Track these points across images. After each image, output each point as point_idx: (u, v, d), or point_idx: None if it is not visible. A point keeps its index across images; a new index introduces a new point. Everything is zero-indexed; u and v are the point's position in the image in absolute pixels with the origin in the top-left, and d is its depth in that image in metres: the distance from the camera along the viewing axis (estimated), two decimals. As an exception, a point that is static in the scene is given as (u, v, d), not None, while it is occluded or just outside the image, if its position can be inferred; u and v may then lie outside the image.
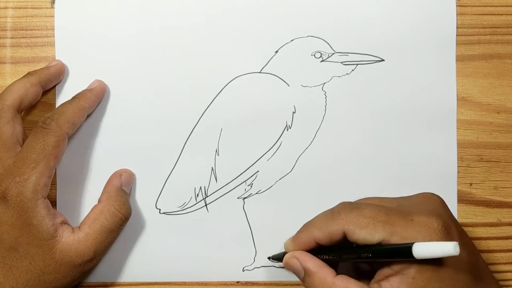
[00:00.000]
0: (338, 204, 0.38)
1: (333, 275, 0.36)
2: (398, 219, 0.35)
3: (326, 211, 0.38)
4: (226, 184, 0.45)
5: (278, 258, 0.43)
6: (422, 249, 0.32)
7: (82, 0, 0.46)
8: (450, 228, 0.35)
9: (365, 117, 0.45)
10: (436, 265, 0.34)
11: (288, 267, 0.39)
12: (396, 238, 0.34)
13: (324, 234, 0.37)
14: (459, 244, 0.32)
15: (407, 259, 0.33)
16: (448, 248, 0.31)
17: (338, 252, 0.37)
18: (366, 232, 0.35)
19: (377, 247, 0.35)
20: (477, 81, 0.46)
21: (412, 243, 0.32)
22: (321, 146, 0.45)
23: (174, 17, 0.46)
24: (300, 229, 0.39)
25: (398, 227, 0.34)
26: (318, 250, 0.38)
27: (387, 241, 0.34)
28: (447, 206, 0.38)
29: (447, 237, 0.35)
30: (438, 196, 0.39)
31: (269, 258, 0.45)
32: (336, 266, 0.39)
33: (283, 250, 0.41)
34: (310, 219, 0.39)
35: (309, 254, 0.38)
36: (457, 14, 0.46)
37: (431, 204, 0.37)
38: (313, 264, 0.37)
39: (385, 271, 0.35)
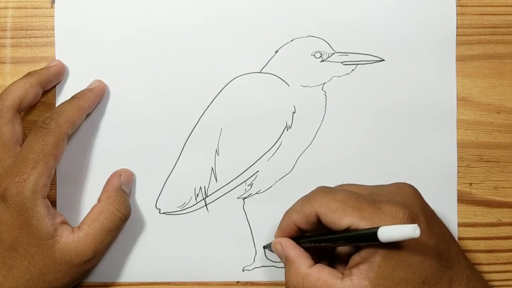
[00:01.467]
0: (315, 188, 0.39)
1: (309, 265, 0.38)
2: (368, 206, 0.36)
3: (304, 195, 0.39)
4: (226, 184, 0.45)
5: (269, 246, 0.43)
6: (386, 232, 0.32)
7: (82, 0, 0.46)
8: (417, 218, 0.36)
9: (365, 117, 0.45)
10: (402, 253, 0.35)
11: (275, 253, 0.41)
12: (364, 223, 0.35)
13: (300, 216, 0.38)
14: (425, 231, 0.35)
15: (374, 243, 0.34)
16: (408, 231, 0.31)
17: (317, 239, 0.38)
18: (336, 215, 0.36)
19: (348, 232, 0.36)
20: (477, 81, 0.46)
21: (378, 227, 0.33)
22: (321, 146, 0.45)
23: (174, 17, 0.46)
24: (283, 216, 0.41)
25: (366, 213, 0.36)
26: (301, 237, 0.40)
27: (355, 226, 0.35)
28: (420, 197, 0.39)
29: None
30: (411, 187, 0.39)
31: (264, 247, 0.45)
32: (321, 252, 0.40)
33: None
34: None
35: (292, 242, 0.39)
36: (457, 14, 0.46)
37: (402, 195, 0.38)
38: (293, 253, 0.39)
39: (355, 258, 0.36)
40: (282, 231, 0.40)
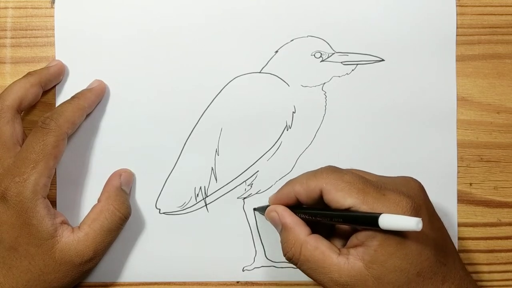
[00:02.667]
0: (324, 166, 0.39)
1: (307, 233, 0.38)
2: (372, 191, 0.36)
3: (311, 170, 0.39)
4: (226, 184, 0.45)
5: (261, 210, 0.43)
6: (388, 220, 0.33)
7: (82, 0, 0.46)
8: (420, 210, 0.36)
9: (365, 117, 0.45)
10: (400, 241, 0.35)
11: (268, 220, 0.41)
12: (366, 207, 0.35)
13: (304, 189, 0.38)
14: (426, 223, 0.35)
15: (372, 228, 0.35)
16: (411, 223, 0.32)
17: (314, 212, 0.38)
18: (340, 194, 0.36)
19: (348, 212, 0.36)
20: (477, 81, 0.46)
21: (380, 213, 0.33)
22: (321, 146, 0.45)
23: (174, 17, 0.46)
24: (284, 184, 0.40)
25: (370, 198, 0.36)
26: (297, 208, 0.40)
27: (357, 208, 0.36)
28: (424, 192, 0.39)
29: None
30: (417, 181, 0.40)
31: (254, 209, 0.45)
32: (316, 226, 0.40)
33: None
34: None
35: (288, 210, 0.39)
36: (457, 14, 0.46)
37: (408, 187, 0.38)
38: (291, 220, 0.39)
39: (353, 240, 0.37)
40: (278, 199, 0.40)
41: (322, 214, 0.37)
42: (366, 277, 0.35)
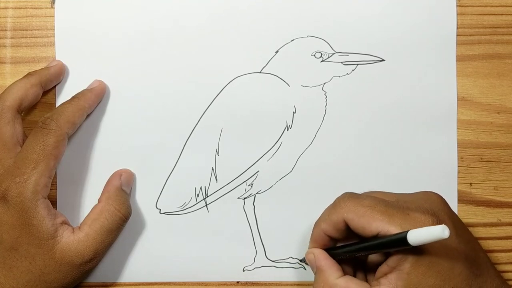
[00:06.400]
0: (341, 195, 0.39)
1: (338, 276, 0.37)
2: (396, 212, 0.36)
3: (331, 203, 0.39)
4: (227, 184, 0.45)
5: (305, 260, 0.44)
6: (416, 235, 0.32)
7: (82, 0, 0.46)
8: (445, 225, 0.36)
9: (365, 117, 0.45)
10: (431, 259, 0.35)
11: (308, 263, 0.41)
12: (394, 228, 0.35)
13: (328, 225, 0.38)
14: (454, 237, 0.34)
15: (403, 249, 0.34)
16: (437, 231, 0.31)
17: (347, 250, 0.38)
18: (364, 220, 0.36)
19: (377, 239, 0.35)
20: (477, 81, 0.46)
21: (407, 231, 0.33)
22: (321, 146, 0.45)
23: (174, 17, 0.46)
24: (313, 226, 0.40)
25: (396, 218, 0.35)
26: (334, 249, 0.40)
27: (385, 231, 0.35)
28: (447, 205, 0.39)
29: None
30: (438, 195, 0.39)
31: (300, 261, 0.45)
32: (357, 265, 0.40)
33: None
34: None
35: (324, 252, 0.39)
36: (457, 14, 0.46)
37: (430, 202, 0.38)
38: (324, 263, 0.38)
39: (383, 268, 0.36)
40: (314, 242, 0.40)
41: (354, 249, 0.37)
42: None
